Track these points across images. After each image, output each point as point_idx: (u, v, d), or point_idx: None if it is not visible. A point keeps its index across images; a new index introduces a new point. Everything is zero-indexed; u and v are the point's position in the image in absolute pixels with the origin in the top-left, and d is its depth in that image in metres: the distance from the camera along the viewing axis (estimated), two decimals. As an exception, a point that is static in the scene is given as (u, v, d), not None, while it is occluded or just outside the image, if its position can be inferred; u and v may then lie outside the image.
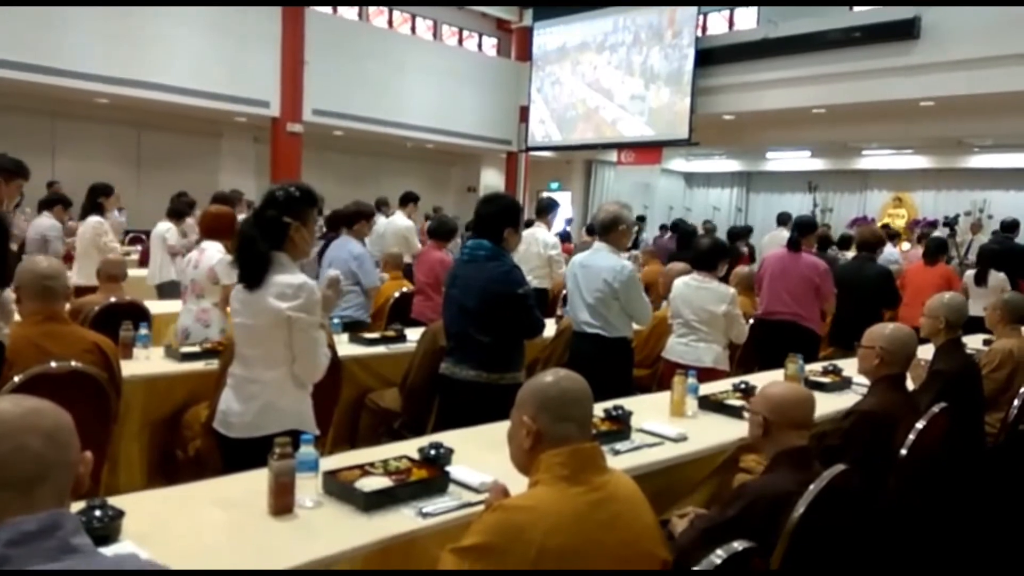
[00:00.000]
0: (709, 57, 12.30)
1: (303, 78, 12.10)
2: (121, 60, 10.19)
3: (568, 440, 1.62)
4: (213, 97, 11.25)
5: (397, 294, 5.52)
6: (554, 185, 17.52)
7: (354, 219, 5.18)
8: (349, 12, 14.14)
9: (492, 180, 17.08)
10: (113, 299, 4.00)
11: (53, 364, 2.52)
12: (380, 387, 4.07)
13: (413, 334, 4.25)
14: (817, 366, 3.87)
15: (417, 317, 5.20)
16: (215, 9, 11.24)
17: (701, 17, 12.96)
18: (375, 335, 4.41)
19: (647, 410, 2.90)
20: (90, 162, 11.86)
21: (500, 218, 3.07)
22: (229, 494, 2.02)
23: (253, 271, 2.35)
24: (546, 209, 6.87)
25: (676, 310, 4.06)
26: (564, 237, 12.01)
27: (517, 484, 1.72)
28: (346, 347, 4.07)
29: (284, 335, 2.34)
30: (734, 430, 2.72)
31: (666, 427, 2.72)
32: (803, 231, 5.06)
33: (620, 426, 2.64)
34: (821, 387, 3.54)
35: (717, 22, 14.67)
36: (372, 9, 14.44)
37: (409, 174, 16.33)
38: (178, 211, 6.86)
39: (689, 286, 4.04)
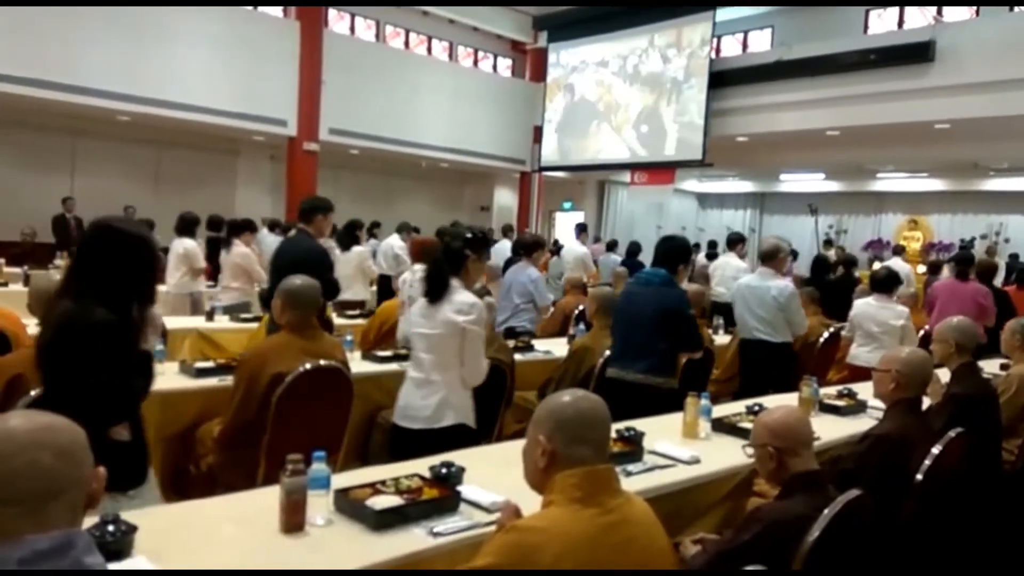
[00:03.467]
0: (723, 79, 12.35)
1: (320, 97, 12.25)
2: (141, 79, 10.35)
3: (583, 462, 1.60)
4: (231, 116, 11.40)
5: (407, 312, 5.53)
6: (567, 205, 17.56)
7: (533, 248, 6.09)
8: (366, 33, 14.33)
9: (505, 200, 17.15)
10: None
11: (69, 378, 2.54)
12: (392, 404, 4.05)
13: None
14: (832, 390, 3.84)
15: None
16: (234, 28, 11.43)
17: (715, 39, 13.03)
18: (387, 352, 4.41)
19: (659, 432, 2.88)
20: (109, 179, 12.03)
21: (676, 254, 3.79)
22: (241, 511, 2.03)
23: (438, 288, 2.96)
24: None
25: (859, 324, 5.06)
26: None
27: (528, 504, 1.71)
28: (358, 364, 4.08)
29: (457, 343, 2.91)
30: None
31: (679, 449, 2.70)
32: (967, 263, 6.36)
33: (632, 447, 2.62)
34: (836, 411, 3.51)
35: (731, 44, 14.76)
36: (389, 30, 14.63)
37: (423, 193, 16.43)
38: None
39: (871, 305, 5.07)
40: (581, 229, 9.96)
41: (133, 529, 1.74)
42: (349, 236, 7.09)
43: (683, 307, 3.69)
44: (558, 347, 5.02)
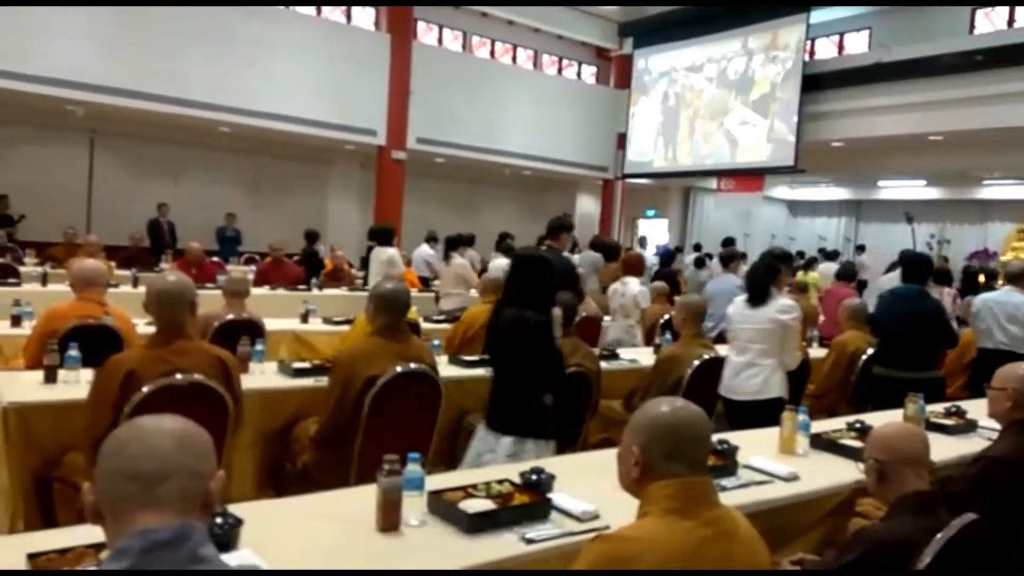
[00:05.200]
0: (817, 82, 11.95)
1: (408, 107, 12.53)
2: (242, 92, 10.86)
3: (677, 475, 1.56)
4: (325, 126, 11.80)
5: (495, 318, 5.57)
6: (651, 212, 17.35)
7: (730, 259, 6.93)
8: (453, 44, 14.58)
9: (588, 207, 17.08)
10: (231, 316, 4.22)
11: (179, 376, 2.67)
12: (478, 409, 4.08)
13: (511, 358, 4.28)
14: (939, 407, 3.64)
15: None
16: (329, 43, 11.85)
17: (808, 42, 12.62)
18: (473, 357, 4.45)
19: (753, 446, 2.79)
20: (211, 187, 12.65)
21: (925, 269, 4.74)
22: (338, 508, 2.08)
23: (760, 295, 3.89)
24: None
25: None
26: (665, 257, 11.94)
27: (620, 514, 1.69)
28: (445, 368, 4.13)
29: (779, 336, 3.83)
30: (849, 471, 2.58)
31: (775, 465, 2.60)
32: None
33: (726, 461, 2.55)
34: (944, 429, 3.32)
35: (825, 47, 14.26)
36: (475, 40, 14.84)
37: (506, 200, 16.56)
38: (509, 249, 8.40)
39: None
40: (728, 242, 10.30)
41: (239, 522, 1.82)
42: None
43: (941, 314, 4.59)
44: (644, 356, 4.95)
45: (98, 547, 1.64)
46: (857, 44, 13.92)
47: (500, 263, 8.46)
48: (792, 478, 2.52)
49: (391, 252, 7.62)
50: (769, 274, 3.95)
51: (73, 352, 3.21)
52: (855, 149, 12.52)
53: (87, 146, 11.65)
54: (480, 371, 4.24)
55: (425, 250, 9.55)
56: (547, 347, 3.01)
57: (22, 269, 7.37)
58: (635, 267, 6.22)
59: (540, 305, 3.00)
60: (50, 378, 3.17)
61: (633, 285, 5.88)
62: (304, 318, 5.67)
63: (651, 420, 1.61)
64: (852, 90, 11.52)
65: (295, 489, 2.99)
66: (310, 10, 12.62)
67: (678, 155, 14.23)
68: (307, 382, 3.55)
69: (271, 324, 4.89)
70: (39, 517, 2.84)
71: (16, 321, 4.52)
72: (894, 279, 7.95)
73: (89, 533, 1.65)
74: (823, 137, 12.09)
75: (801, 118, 12.02)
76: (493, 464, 2.80)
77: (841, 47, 14.23)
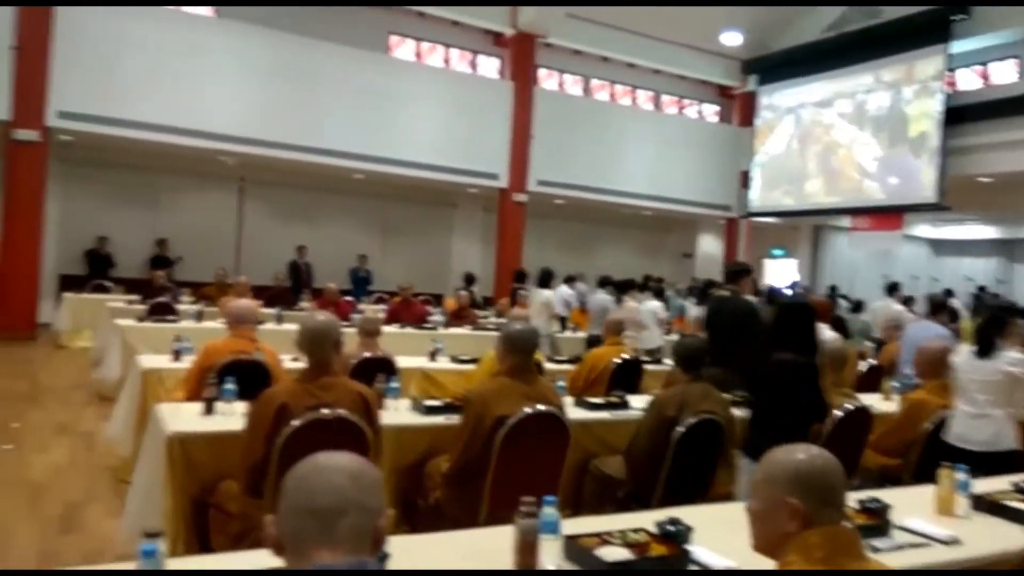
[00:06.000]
0: (960, 115, 11.28)
1: (529, 151, 12.82)
2: (376, 141, 11.53)
3: (830, 522, 1.50)
4: (451, 171, 12.30)
5: (618, 360, 5.52)
6: (778, 252, 16.75)
7: (940, 308, 6.90)
8: (574, 88, 14.83)
9: (709, 247, 16.73)
10: (367, 354, 4.41)
11: (325, 411, 2.82)
12: (603, 453, 4.05)
13: (636, 401, 4.23)
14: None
15: None
16: (456, 92, 12.42)
17: (949, 73, 11.94)
18: (599, 400, 4.43)
19: (906, 505, 2.60)
20: (344, 230, 13.36)
21: None
22: (479, 547, 2.11)
23: (988, 347, 3.91)
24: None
25: None
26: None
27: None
28: (571, 410, 4.12)
29: (1007, 388, 3.84)
30: (1018, 537, 2.36)
31: (933, 527, 2.42)
32: None
33: (877, 520, 2.39)
34: None
35: (968, 78, 13.44)
36: (595, 83, 15.03)
37: (625, 240, 16.49)
38: (660, 291, 9.42)
39: None
40: (893, 288, 9.77)
41: (387, 556, 1.88)
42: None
43: None
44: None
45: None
46: (1004, 74, 13.02)
47: (653, 305, 8.57)
48: (953, 541, 2.33)
49: (548, 294, 8.14)
50: (997, 326, 3.99)
51: (229, 386, 3.45)
52: (1005, 185, 11.66)
53: (236, 193, 12.64)
54: (605, 414, 4.20)
55: (564, 290, 9.72)
56: (813, 387, 3.37)
57: (179, 307, 8.02)
58: (825, 313, 5.98)
59: (804, 348, 3.36)
60: (208, 410, 3.42)
61: (824, 332, 5.62)
62: (432, 356, 5.84)
63: (797, 468, 1.53)
64: (1000, 122, 10.80)
65: (427, 524, 3.07)
66: (439, 62, 13.25)
67: (807, 192, 13.73)
68: (439, 420, 3.64)
69: (401, 362, 5.06)
70: (195, 542, 3.05)
71: (177, 355, 4.92)
72: None
73: (240, 561, 1.75)
74: (969, 172, 11.34)
75: (944, 153, 11.34)
76: None
77: (986, 77, 13.36)
